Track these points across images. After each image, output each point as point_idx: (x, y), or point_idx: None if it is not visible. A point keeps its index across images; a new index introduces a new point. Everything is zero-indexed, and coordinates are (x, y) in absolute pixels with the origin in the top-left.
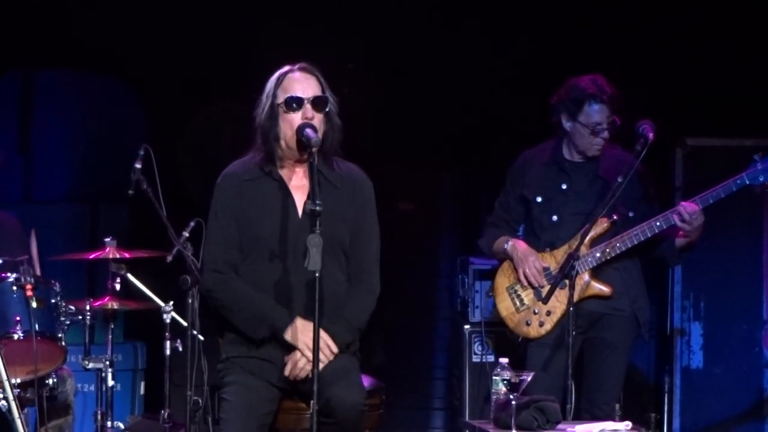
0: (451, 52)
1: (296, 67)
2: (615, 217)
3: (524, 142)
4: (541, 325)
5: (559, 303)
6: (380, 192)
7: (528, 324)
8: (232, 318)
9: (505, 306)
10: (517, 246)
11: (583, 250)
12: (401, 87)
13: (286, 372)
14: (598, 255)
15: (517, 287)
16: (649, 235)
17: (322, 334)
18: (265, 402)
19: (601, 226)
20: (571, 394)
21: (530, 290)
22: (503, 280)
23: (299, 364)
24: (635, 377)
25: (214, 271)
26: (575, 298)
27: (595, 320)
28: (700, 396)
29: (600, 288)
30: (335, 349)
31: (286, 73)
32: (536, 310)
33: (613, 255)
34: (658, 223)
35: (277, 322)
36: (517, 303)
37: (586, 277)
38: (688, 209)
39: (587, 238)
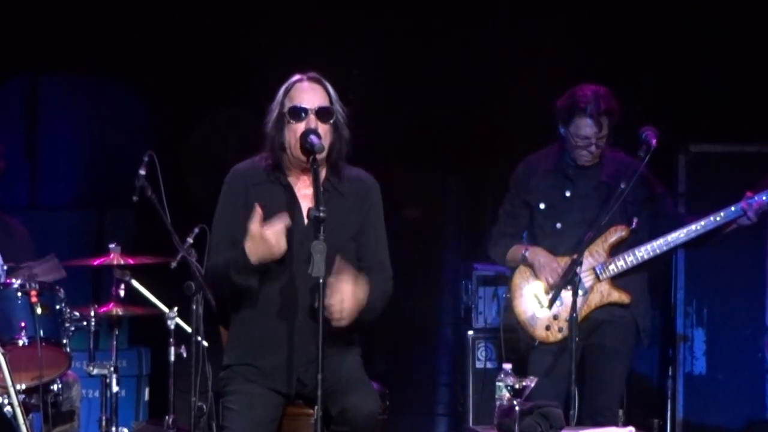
0: (457, 58)
1: (305, 76)
2: (635, 224)
3: (530, 148)
4: (560, 330)
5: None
6: (384, 198)
7: (548, 329)
8: (227, 280)
9: (523, 310)
10: (537, 252)
11: (604, 257)
12: (406, 92)
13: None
14: (621, 263)
15: (537, 291)
16: (694, 236)
17: (347, 289)
18: (270, 409)
19: (619, 233)
20: (575, 400)
21: (550, 295)
22: (522, 282)
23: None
24: (638, 383)
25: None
26: (594, 304)
27: (596, 326)
28: (703, 402)
29: (620, 296)
30: (347, 310)
31: (294, 82)
32: (556, 315)
33: (636, 263)
34: (704, 223)
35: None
36: (537, 307)
37: (605, 284)
38: (755, 206)
39: (607, 244)
